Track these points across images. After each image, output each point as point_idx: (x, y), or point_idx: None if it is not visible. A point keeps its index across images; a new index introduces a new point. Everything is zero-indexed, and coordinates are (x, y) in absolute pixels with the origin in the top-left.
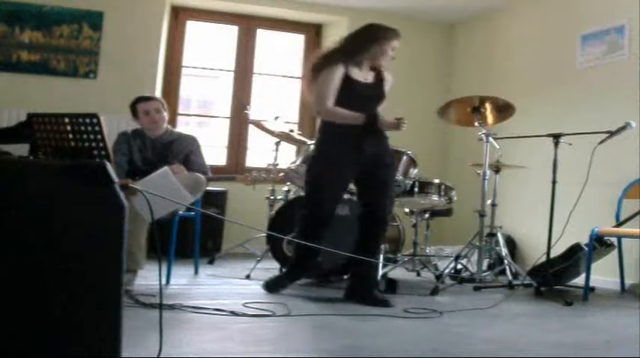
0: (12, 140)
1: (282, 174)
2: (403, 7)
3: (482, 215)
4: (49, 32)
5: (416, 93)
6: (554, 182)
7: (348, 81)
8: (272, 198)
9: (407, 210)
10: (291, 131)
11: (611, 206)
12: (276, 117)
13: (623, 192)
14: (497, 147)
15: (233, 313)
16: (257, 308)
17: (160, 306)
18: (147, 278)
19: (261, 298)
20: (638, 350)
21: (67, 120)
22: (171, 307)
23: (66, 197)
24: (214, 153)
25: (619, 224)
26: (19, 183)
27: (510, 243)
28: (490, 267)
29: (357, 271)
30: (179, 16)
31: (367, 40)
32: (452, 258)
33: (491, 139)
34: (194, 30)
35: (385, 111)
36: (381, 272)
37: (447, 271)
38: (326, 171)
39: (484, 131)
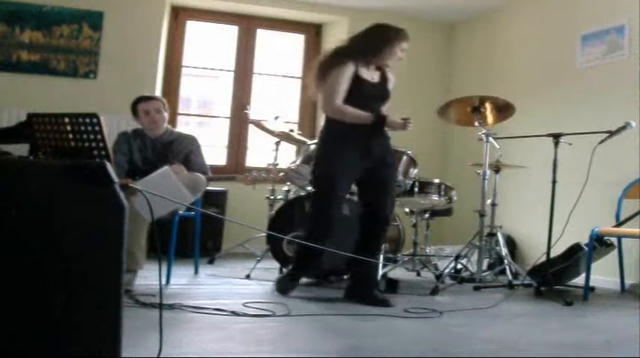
0: (12, 140)
1: (282, 174)
2: (403, 7)
3: (482, 215)
4: (49, 32)
5: (416, 93)
6: (554, 182)
7: (357, 80)
8: (272, 198)
9: (407, 209)
10: (291, 131)
11: (611, 206)
12: (276, 117)
13: (623, 192)
14: (497, 147)
15: (233, 313)
16: (257, 308)
17: (160, 306)
18: (147, 278)
19: (261, 298)
20: (638, 350)
21: (67, 120)
22: (171, 307)
23: (66, 197)
24: (214, 153)
25: (619, 224)
26: (19, 183)
27: (510, 242)
28: (490, 266)
29: (357, 271)
30: (179, 16)
31: (379, 40)
32: (452, 258)
33: (491, 139)
34: (194, 30)
35: (386, 111)
36: (381, 272)
37: (447, 271)
38: (334, 170)
39: (484, 131)
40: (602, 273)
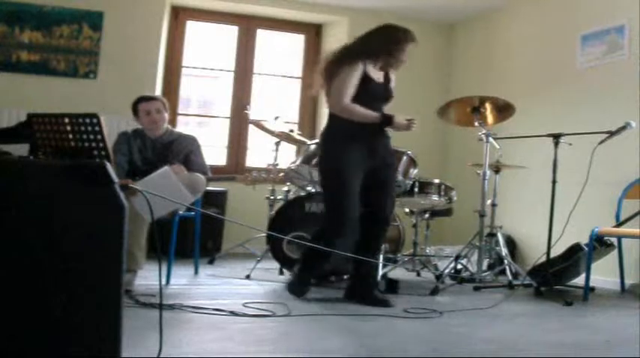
0: (12, 140)
1: (282, 174)
2: (403, 7)
3: (482, 215)
4: (49, 32)
5: (416, 94)
6: (554, 182)
7: (366, 79)
8: (272, 198)
9: (407, 210)
10: (291, 131)
11: (611, 206)
12: (276, 117)
13: (623, 192)
14: (497, 147)
15: (233, 313)
16: (257, 309)
17: (160, 306)
18: (147, 278)
19: (261, 298)
20: (638, 350)
21: (67, 120)
22: (171, 307)
23: (66, 197)
24: (214, 153)
25: (619, 224)
26: (19, 183)
27: (510, 243)
28: (490, 267)
29: (357, 271)
30: (179, 16)
31: (389, 41)
32: (452, 258)
33: (491, 139)
34: (194, 30)
35: (387, 111)
36: (381, 272)
37: (447, 271)
38: (344, 166)
39: (484, 131)
40: (602, 273)
